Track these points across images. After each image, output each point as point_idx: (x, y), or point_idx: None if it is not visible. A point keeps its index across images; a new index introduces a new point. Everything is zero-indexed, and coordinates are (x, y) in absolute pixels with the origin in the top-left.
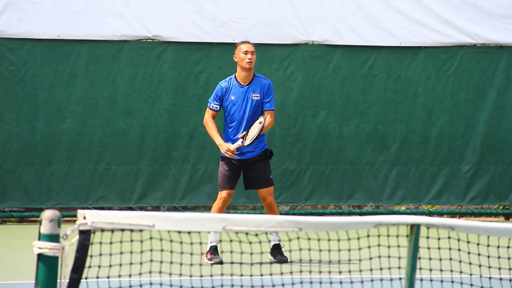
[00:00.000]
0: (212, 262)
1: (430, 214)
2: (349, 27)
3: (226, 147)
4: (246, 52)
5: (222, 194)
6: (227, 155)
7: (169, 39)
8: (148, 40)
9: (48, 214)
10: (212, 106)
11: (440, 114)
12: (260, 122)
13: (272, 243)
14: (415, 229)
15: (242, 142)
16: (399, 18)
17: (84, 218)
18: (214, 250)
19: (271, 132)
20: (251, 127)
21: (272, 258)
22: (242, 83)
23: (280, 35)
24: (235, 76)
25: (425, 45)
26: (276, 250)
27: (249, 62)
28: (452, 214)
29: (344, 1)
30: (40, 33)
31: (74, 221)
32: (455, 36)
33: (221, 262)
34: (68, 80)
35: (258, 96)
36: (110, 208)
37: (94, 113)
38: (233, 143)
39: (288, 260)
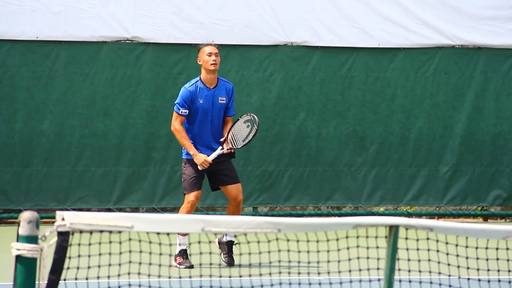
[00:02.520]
0: (182, 266)
1: (408, 215)
2: (328, 29)
3: (202, 159)
4: (210, 54)
5: (190, 197)
6: (201, 167)
7: (148, 40)
8: (127, 41)
9: (26, 216)
10: (182, 112)
11: (419, 115)
12: (246, 121)
13: (227, 238)
14: (393, 230)
15: (222, 149)
16: (378, 20)
17: (63, 219)
18: (184, 254)
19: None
20: (233, 129)
21: (217, 246)
22: (208, 86)
23: (259, 36)
24: (200, 79)
25: (404, 47)
26: (228, 247)
27: (213, 64)
28: (430, 215)
29: (322, 3)
30: (19, 34)
31: (53, 222)
32: (433, 38)
33: (191, 267)
34: (46, 81)
35: (224, 100)
36: (88, 210)
37: (72, 114)
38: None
39: (233, 265)
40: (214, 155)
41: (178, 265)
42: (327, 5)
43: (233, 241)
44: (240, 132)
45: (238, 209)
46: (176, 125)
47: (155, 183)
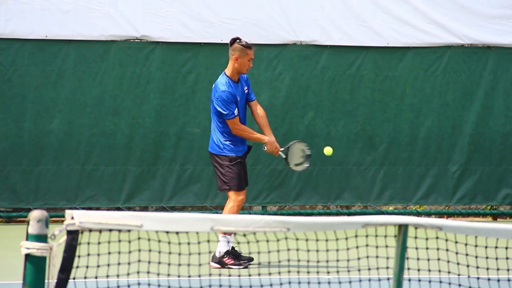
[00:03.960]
0: (242, 267)
1: (418, 214)
2: (337, 27)
3: (276, 145)
4: (250, 60)
5: (241, 195)
6: (273, 152)
7: (157, 39)
8: (136, 40)
9: (35, 214)
10: (236, 113)
11: (428, 114)
12: (303, 155)
13: (228, 247)
14: (403, 229)
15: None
16: (387, 19)
17: (72, 218)
18: (236, 254)
19: (258, 132)
20: (294, 151)
21: (216, 266)
22: (236, 82)
23: (268, 35)
24: (227, 75)
25: (413, 46)
26: (236, 253)
27: (248, 69)
28: (439, 214)
29: (332, 1)
30: (28, 33)
31: (62, 221)
32: (443, 37)
33: (251, 259)
34: (55, 80)
35: (247, 89)
36: (98, 208)
37: (82, 113)
38: (234, 148)
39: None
40: (282, 154)
41: (232, 266)
42: (337, 4)
43: (233, 246)
44: (294, 155)
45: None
46: (237, 127)
47: (164, 182)
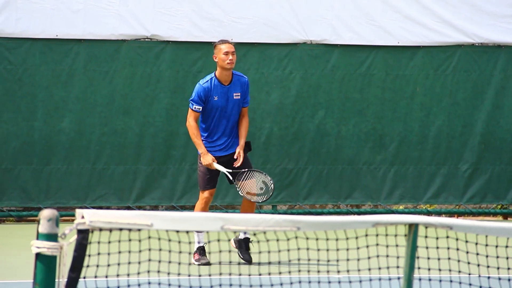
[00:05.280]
0: (199, 263)
1: (428, 213)
2: (347, 27)
3: (210, 160)
4: (226, 53)
5: (205, 194)
6: (207, 166)
7: (167, 38)
8: (146, 40)
9: (46, 214)
10: (195, 108)
11: (438, 113)
12: (263, 183)
13: (244, 235)
14: (413, 228)
15: (228, 171)
16: (397, 18)
17: (82, 217)
18: (201, 251)
19: (269, 131)
20: (252, 179)
21: (233, 245)
22: (223, 83)
23: (278, 35)
24: (215, 75)
25: (423, 45)
26: (245, 244)
27: (229, 63)
28: (450, 214)
29: (342, 1)
30: (38, 32)
31: (72, 220)
32: (453, 36)
33: (208, 263)
34: (66, 80)
35: (238, 95)
36: (108, 208)
37: (92, 112)
38: (209, 146)
39: (252, 262)
40: (221, 168)
41: (195, 262)
42: (347, 3)
43: (249, 238)
44: (251, 184)
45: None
46: (190, 121)
47: (174, 181)
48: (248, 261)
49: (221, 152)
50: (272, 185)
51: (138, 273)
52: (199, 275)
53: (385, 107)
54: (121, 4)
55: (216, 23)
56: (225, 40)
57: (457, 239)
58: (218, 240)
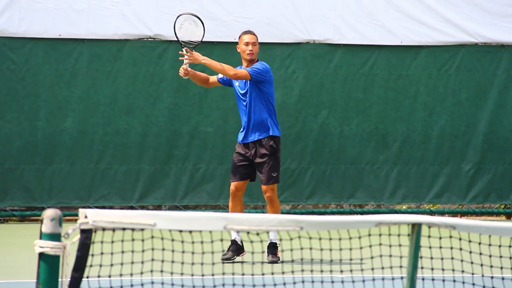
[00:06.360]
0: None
1: (431, 213)
2: (350, 26)
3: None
4: (247, 44)
5: (231, 186)
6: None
7: (170, 38)
8: (149, 39)
9: (49, 213)
10: (219, 77)
11: (441, 113)
12: (186, 21)
13: (269, 241)
14: (416, 228)
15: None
16: (400, 17)
17: (86, 217)
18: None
19: None
20: (181, 34)
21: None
22: None
23: (281, 34)
24: (242, 67)
25: (426, 44)
26: (270, 250)
27: (250, 54)
28: (453, 213)
29: (345, 0)
30: (41, 32)
31: (76, 220)
32: (456, 35)
33: (231, 258)
34: (69, 79)
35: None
36: (111, 207)
37: (95, 112)
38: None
39: (279, 261)
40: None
41: (274, 260)
42: (349, 2)
43: (276, 243)
44: (188, 32)
45: (269, 206)
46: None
47: (177, 180)
48: (274, 261)
49: (243, 136)
50: (197, 18)
51: (141, 273)
52: (202, 275)
53: (388, 107)
54: (124, 3)
55: (219, 23)
56: (248, 31)
57: (460, 239)
58: (221, 240)
